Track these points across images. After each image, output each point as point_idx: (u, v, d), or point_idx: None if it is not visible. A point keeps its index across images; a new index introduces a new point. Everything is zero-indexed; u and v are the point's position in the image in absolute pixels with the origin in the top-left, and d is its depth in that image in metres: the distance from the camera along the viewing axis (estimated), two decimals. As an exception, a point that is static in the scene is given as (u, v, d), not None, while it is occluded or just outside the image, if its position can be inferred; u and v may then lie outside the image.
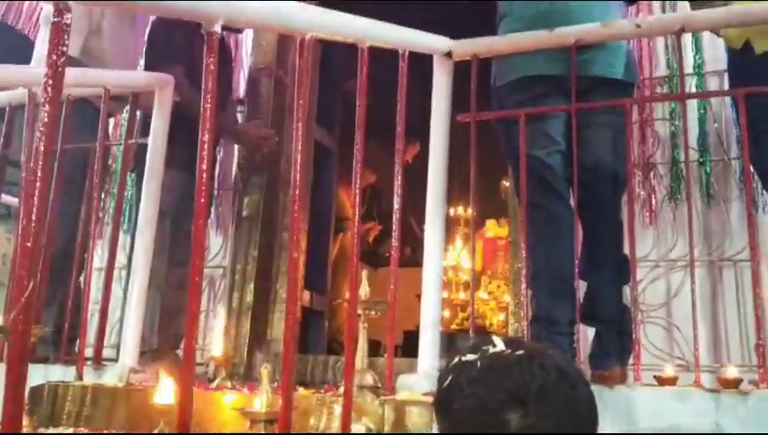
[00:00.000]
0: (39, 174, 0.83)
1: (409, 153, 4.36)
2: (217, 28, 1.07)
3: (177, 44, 2.62)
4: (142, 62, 2.93)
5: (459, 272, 5.13)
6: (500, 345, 0.97)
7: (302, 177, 1.39)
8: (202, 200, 1.09)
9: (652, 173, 2.68)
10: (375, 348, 3.30)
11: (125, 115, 2.88)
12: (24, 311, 0.75)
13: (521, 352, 0.94)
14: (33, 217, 0.79)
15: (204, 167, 1.06)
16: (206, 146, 1.06)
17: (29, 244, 0.77)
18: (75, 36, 2.53)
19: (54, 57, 0.80)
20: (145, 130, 2.43)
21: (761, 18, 1.84)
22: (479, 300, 4.56)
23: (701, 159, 2.62)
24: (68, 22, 0.82)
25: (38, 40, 2.86)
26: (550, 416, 0.89)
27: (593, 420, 0.94)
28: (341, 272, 4.13)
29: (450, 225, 5.60)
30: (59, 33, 0.81)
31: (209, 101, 1.08)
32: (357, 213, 1.64)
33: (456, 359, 0.98)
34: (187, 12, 1.12)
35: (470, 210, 5.44)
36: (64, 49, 0.83)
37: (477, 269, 4.95)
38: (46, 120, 0.79)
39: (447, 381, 0.97)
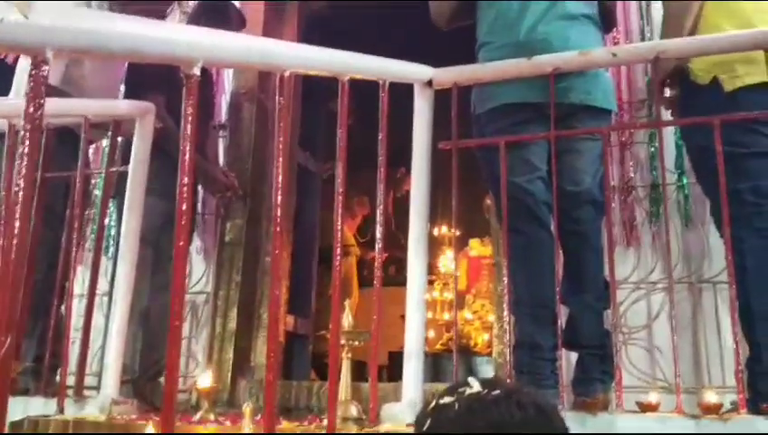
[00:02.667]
0: (16, 227, 0.82)
1: (408, 183, 4.40)
2: (196, 71, 1.08)
3: (157, 73, 2.63)
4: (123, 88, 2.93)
5: (444, 292, 5.14)
6: (476, 386, 0.98)
7: (284, 210, 1.39)
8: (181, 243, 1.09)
9: (632, 196, 2.71)
10: (360, 370, 3.30)
11: (106, 142, 2.88)
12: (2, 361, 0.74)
13: (497, 391, 0.96)
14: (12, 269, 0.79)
15: (183, 209, 1.06)
16: (184, 189, 1.06)
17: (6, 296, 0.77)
18: (57, 65, 2.53)
19: (32, 110, 0.81)
20: (125, 158, 2.42)
21: (732, 47, 1.88)
22: (463, 320, 4.56)
23: (679, 182, 2.65)
24: (45, 74, 0.82)
25: (18, 67, 2.85)
26: None
27: None
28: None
29: (434, 244, 5.63)
30: (37, 84, 0.82)
31: (188, 144, 1.08)
32: (338, 242, 1.64)
33: (434, 402, 0.99)
34: (166, 57, 1.12)
35: (454, 231, 5.46)
36: (41, 101, 0.83)
37: (461, 289, 4.96)
38: (24, 170, 0.79)
39: (426, 424, 0.98)
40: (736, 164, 1.84)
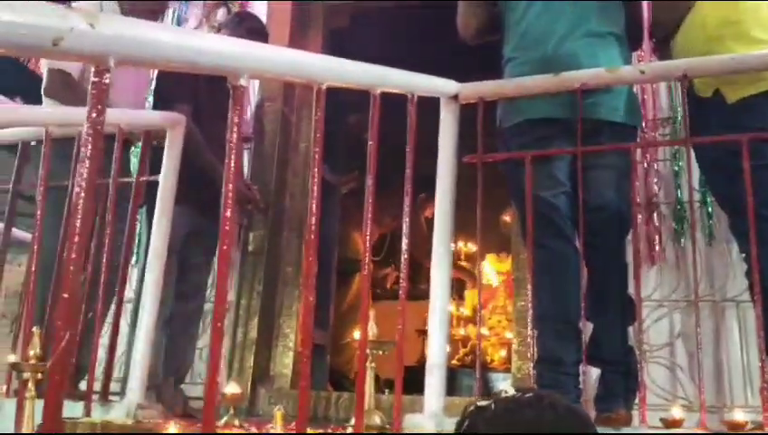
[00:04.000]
0: (76, 241, 0.86)
1: (428, 209, 4.43)
2: (244, 82, 1.12)
3: (184, 84, 2.67)
4: (150, 99, 2.98)
5: (460, 307, 5.14)
6: (511, 391, 1.03)
7: (317, 228, 1.42)
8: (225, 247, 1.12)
9: (655, 213, 2.72)
10: (376, 384, 3.30)
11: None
12: (60, 360, 0.77)
13: (530, 394, 1.00)
14: (72, 269, 0.82)
15: (227, 216, 1.09)
16: (230, 195, 1.09)
17: (66, 295, 0.80)
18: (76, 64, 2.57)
19: (95, 115, 0.84)
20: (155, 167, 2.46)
21: (760, 67, 1.90)
22: (481, 336, 4.56)
23: (703, 200, 2.65)
24: (107, 81, 0.86)
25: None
26: None
27: None
28: (354, 310, 4.17)
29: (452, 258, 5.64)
30: (99, 91, 0.85)
31: (234, 155, 1.12)
32: (368, 256, 1.66)
33: (472, 406, 1.03)
34: (214, 68, 1.16)
35: (471, 246, 5.46)
36: (102, 107, 0.87)
37: (476, 304, 4.97)
38: (86, 176, 0.83)
39: (465, 425, 1.02)
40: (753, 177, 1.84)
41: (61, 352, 0.78)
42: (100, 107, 0.88)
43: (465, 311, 5.04)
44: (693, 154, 2.12)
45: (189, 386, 2.93)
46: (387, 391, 3.50)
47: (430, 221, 3.73)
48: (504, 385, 1.16)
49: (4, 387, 2.51)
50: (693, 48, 2.08)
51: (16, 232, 3.96)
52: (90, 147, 0.85)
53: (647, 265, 2.64)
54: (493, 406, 1.01)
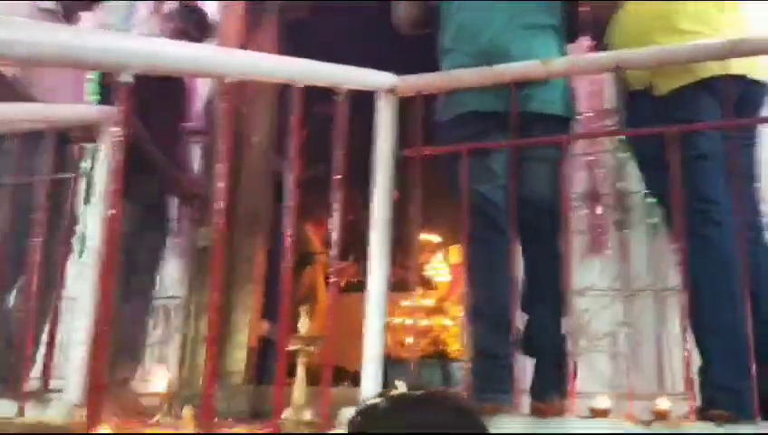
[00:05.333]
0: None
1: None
2: (127, 78, 1.10)
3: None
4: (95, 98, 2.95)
5: (423, 298, 5.15)
6: (402, 389, 1.03)
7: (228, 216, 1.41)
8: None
9: (598, 204, 2.74)
10: (338, 375, 3.31)
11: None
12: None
13: (420, 393, 1.01)
14: None
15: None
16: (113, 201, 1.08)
17: None
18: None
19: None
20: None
21: (691, 58, 1.91)
22: (442, 326, 4.58)
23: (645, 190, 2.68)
24: None
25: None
26: None
27: None
28: (308, 304, 4.15)
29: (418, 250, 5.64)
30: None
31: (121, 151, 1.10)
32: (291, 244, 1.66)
33: (363, 404, 1.04)
34: (97, 64, 1.14)
35: (432, 237, 5.48)
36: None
37: (442, 295, 4.99)
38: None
39: (356, 422, 1.03)
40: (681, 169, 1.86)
41: None
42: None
43: (428, 301, 5.05)
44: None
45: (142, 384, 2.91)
46: (346, 383, 3.51)
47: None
48: (397, 382, 1.16)
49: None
50: (625, 43, 2.09)
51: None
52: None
53: (589, 256, 2.66)
54: (383, 404, 1.01)
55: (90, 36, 1.10)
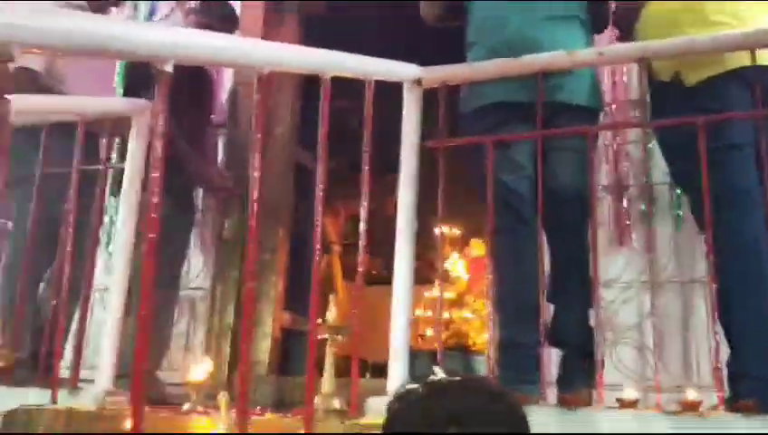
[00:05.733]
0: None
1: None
2: (168, 68, 1.12)
3: (154, 72, 2.67)
4: (120, 91, 2.99)
5: (445, 291, 5.15)
6: (439, 374, 1.04)
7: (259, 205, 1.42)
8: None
9: (624, 195, 2.72)
10: (363, 367, 3.32)
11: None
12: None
13: (457, 378, 1.02)
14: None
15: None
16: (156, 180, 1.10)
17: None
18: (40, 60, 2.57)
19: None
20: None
21: (716, 48, 1.90)
22: (463, 319, 4.58)
23: (671, 182, 2.66)
24: (11, 72, 0.87)
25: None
26: (485, 432, 0.96)
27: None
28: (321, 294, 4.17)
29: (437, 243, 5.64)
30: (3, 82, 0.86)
31: (162, 139, 1.12)
32: (319, 236, 1.67)
33: (401, 389, 1.05)
34: (139, 55, 1.16)
35: (441, 230, 5.47)
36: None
37: (462, 288, 4.98)
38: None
39: (393, 407, 1.04)
40: (709, 159, 1.85)
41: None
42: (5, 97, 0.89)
43: (449, 294, 5.05)
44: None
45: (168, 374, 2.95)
46: (368, 375, 3.53)
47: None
48: (435, 368, 1.17)
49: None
50: (653, 34, 2.08)
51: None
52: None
53: (615, 248, 2.65)
54: (420, 389, 1.02)
55: (133, 27, 1.11)
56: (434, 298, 5.05)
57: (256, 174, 1.39)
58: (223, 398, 1.48)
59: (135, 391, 1.10)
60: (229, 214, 3.22)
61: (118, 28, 1.09)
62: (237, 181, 3.17)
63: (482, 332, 4.70)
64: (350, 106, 2.26)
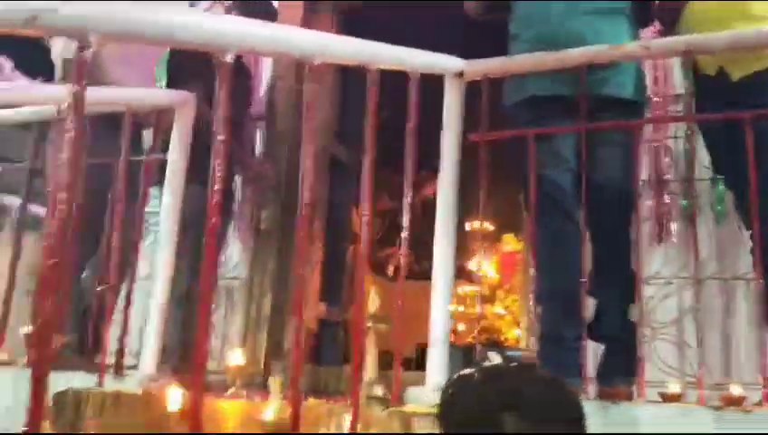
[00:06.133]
0: (65, 195, 0.90)
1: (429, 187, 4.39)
2: (229, 58, 1.14)
3: (196, 64, 2.71)
4: (163, 83, 3.03)
5: (477, 285, 5.16)
6: (496, 360, 1.05)
7: (313, 194, 1.45)
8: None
9: (665, 191, 2.70)
10: (388, 361, 3.34)
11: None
12: (46, 322, 0.81)
13: (514, 364, 1.03)
14: (58, 232, 0.87)
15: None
16: (218, 172, 1.12)
17: (54, 260, 0.84)
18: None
19: (76, 88, 0.88)
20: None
21: (763, 42, 1.88)
22: (494, 314, 4.59)
23: (713, 178, 2.63)
24: (88, 57, 0.89)
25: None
26: (541, 419, 0.98)
27: (581, 425, 1.01)
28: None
29: (468, 238, 5.65)
30: (80, 67, 0.89)
31: (223, 128, 1.15)
32: (367, 227, 1.69)
33: (457, 374, 1.06)
34: (200, 44, 1.18)
35: (486, 225, 5.48)
36: (84, 82, 0.91)
37: (494, 283, 4.99)
38: (72, 146, 0.86)
39: (449, 392, 1.05)
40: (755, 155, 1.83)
41: (46, 317, 0.82)
42: (82, 82, 0.92)
43: (482, 289, 5.06)
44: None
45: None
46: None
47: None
48: (490, 354, 1.19)
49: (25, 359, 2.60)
50: (698, 28, 2.06)
51: (40, 211, 4.06)
52: (72, 119, 0.88)
53: (655, 243, 2.63)
54: (476, 375, 1.03)
55: (193, 17, 1.14)
56: (465, 294, 5.07)
57: (308, 163, 1.39)
58: (275, 381, 1.50)
59: (196, 377, 1.13)
60: (266, 205, 3.25)
61: (182, 18, 1.11)
62: (275, 173, 3.21)
63: (513, 327, 4.72)
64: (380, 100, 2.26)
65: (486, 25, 2.53)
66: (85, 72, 0.92)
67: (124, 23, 1.01)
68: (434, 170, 2.04)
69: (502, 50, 2.29)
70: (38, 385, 0.87)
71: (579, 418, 1.01)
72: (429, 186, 4.03)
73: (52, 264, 0.85)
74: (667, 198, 2.69)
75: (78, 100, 0.90)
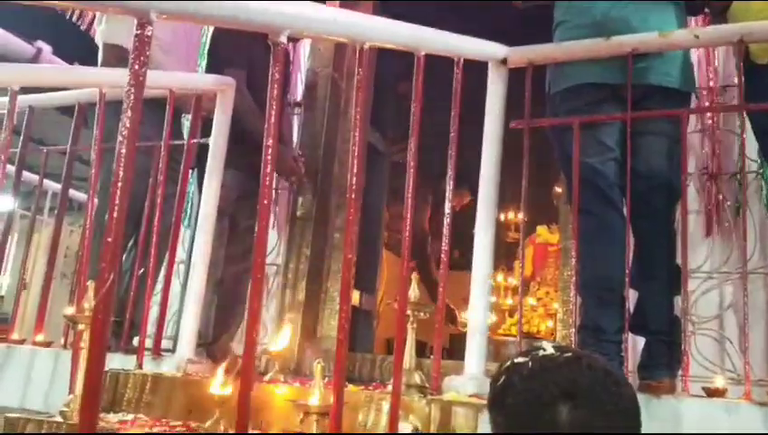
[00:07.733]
0: (121, 175, 0.91)
1: (458, 202, 4.34)
2: (283, 39, 1.13)
3: (239, 49, 2.71)
4: (203, 63, 3.04)
5: (508, 277, 5.13)
6: (549, 349, 1.02)
7: (359, 183, 1.44)
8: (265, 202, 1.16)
9: (710, 183, 2.64)
10: (420, 349, 3.33)
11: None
12: (103, 302, 0.82)
13: (569, 354, 1.00)
14: (116, 215, 0.87)
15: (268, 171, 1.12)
16: (270, 150, 1.12)
17: (110, 239, 0.84)
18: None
19: (137, 66, 0.88)
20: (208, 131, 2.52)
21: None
22: (527, 306, 4.55)
23: (760, 170, 2.57)
24: (149, 34, 0.89)
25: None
26: (598, 410, 0.95)
27: (637, 417, 0.99)
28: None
29: (501, 229, 5.61)
30: (141, 45, 0.88)
31: (274, 107, 1.14)
32: (409, 217, 1.68)
33: (509, 362, 1.04)
34: (255, 24, 1.18)
35: (521, 215, 5.43)
36: (144, 59, 0.91)
37: (527, 275, 4.95)
38: (128, 124, 0.86)
39: (501, 380, 1.03)
40: None
41: (104, 293, 0.82)
42: (142, 59, 0.92)
43: (514, 281, 5.02)
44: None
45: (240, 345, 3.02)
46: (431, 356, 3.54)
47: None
48: (544, 343, 1.16)
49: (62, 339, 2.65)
50: (750, 16, 2.01)
51: (78, 195, 4.12)
52: (132, 97, 0.89)
53: (700, 236, 2.58)
54: (530, 364, 1.01)
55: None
56: (497, 284, 5.04)
57: (356, 150, 1.38)
58: (318, 365, 1.51)
59: (246, 361, 1.13)
60: (302, 192, 3.26)
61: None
62: (311, 161, 3.22)
63: (546, 319, 4.68)
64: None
65: (524, 14, 2.49)
66: (145, 49, 0.92)
67: (186, 2, 1.00)
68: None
69: (533, 38, 2.23)
70: (95, 365, 0.87)
71: (634, 409, 0.99)
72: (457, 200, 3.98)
73: (112, 242, 0.85)
74: (712, 190, 2.63)
75: (138, 78, 0.90)
